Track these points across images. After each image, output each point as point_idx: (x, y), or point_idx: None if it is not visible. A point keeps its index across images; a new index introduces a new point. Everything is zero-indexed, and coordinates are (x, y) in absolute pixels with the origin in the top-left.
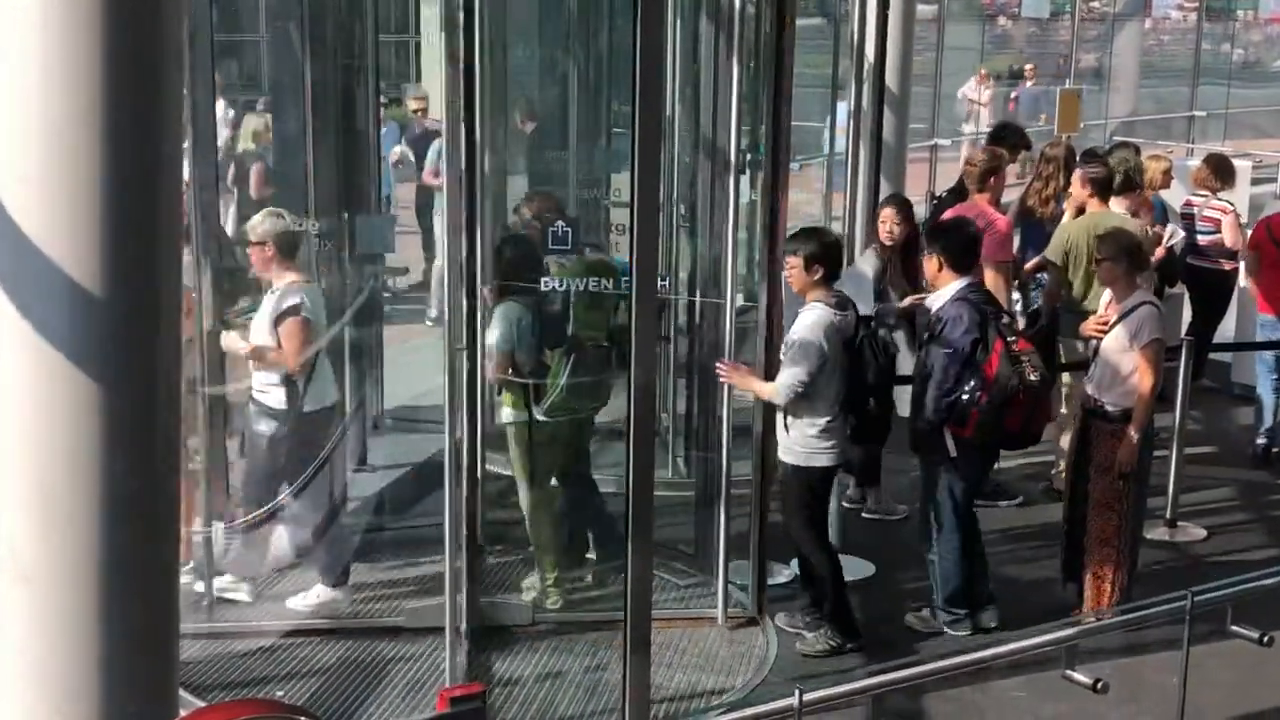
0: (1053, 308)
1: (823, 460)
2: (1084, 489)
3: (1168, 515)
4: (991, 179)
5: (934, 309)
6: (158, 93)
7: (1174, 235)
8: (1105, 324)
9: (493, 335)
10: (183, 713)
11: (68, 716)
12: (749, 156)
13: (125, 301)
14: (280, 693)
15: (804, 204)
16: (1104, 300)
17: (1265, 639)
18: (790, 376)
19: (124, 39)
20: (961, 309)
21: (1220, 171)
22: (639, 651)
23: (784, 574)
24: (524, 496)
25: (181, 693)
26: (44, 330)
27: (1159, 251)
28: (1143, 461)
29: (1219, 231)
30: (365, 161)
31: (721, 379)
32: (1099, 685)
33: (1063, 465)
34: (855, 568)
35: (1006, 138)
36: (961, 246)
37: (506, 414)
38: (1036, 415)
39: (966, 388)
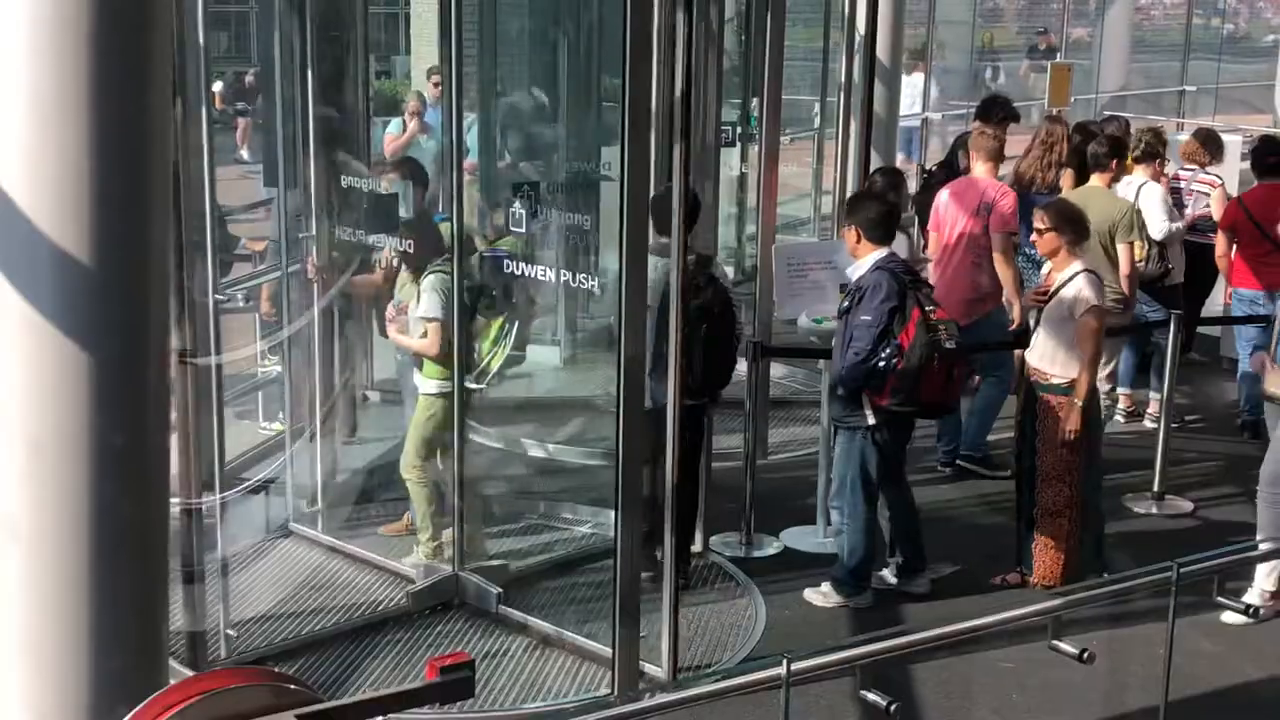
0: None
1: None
2: (1029, 464)
3: (1155, 489)
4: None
5: (854, 279)
6: (147, 62)
7: (1196, 201)
8: (1044, 294)
9: (427, 307)
10: (172, 682)
11: (55, 677)
12: (739, 129)
13: (114, 267)
14: (271, 661)
15: (794, 177)
16: (1044, 271)
17: (1251, 610)
18: None
19: (112, 7)
20: (881, 278)
21: (1209, 145)
22: (627, 624)
23: (772, 546)
24: (412, 463)
25: (171, 663)
26: (34, 297)
27: (1187, 215)
28: (1091, 432)
29: (1207, 205)
30: (354, 134)
31: None
32: (1085, 655)
33: None
34: None
35: (994, 111)
36: (878, 218)
37: (430, 385)
38: (951, 384)
39: (883, 354)
